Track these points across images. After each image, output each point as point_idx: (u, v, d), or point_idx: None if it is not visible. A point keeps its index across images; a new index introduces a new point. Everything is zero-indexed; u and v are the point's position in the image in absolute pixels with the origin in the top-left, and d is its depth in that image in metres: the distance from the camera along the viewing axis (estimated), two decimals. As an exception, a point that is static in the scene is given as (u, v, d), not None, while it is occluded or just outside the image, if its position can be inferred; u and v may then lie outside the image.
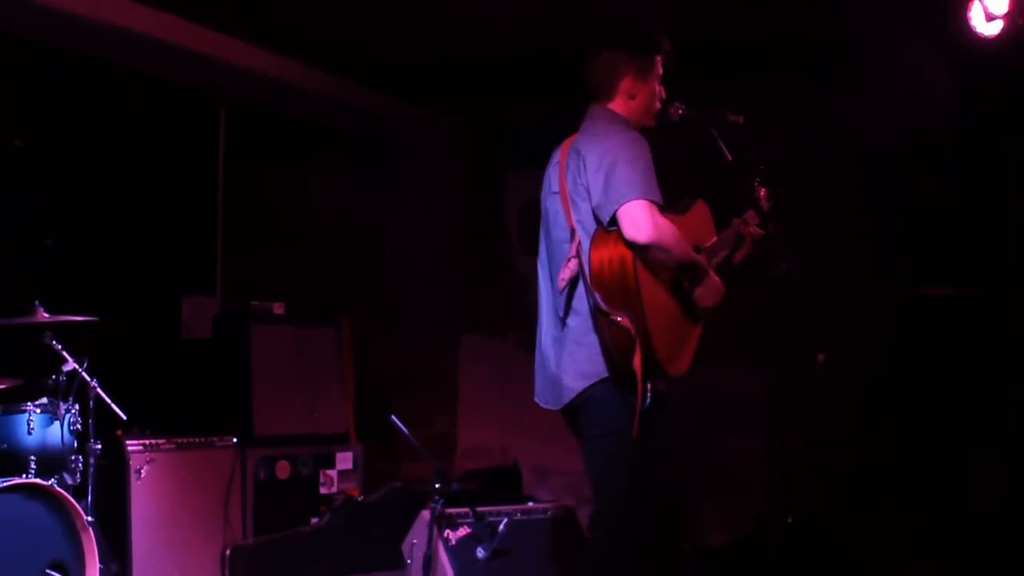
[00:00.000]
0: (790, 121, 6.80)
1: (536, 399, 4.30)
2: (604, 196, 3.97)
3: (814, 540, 5.65)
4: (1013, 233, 6.01)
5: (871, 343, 5.77)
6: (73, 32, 5.97)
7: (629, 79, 4.25)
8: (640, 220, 3.87)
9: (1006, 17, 5.26)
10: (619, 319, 3.88)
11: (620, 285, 3.91)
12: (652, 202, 3.92)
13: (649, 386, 3.90)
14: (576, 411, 4.14)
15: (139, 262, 7.07)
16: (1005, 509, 5.75)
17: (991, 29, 5.33)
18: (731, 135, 4.47)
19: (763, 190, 4.58)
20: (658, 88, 4.31)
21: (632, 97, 4.26)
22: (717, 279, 4.18)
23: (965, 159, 5.89)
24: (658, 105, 4.32)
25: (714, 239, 4.40)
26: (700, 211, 4.42)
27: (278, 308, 6.89)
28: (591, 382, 4.04)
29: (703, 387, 7.26)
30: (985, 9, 5.27)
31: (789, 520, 5.44)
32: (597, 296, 3.96)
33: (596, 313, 3.98)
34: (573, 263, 4.04)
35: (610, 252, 3.95)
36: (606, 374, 4.01)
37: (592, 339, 4.03)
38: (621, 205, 3.91)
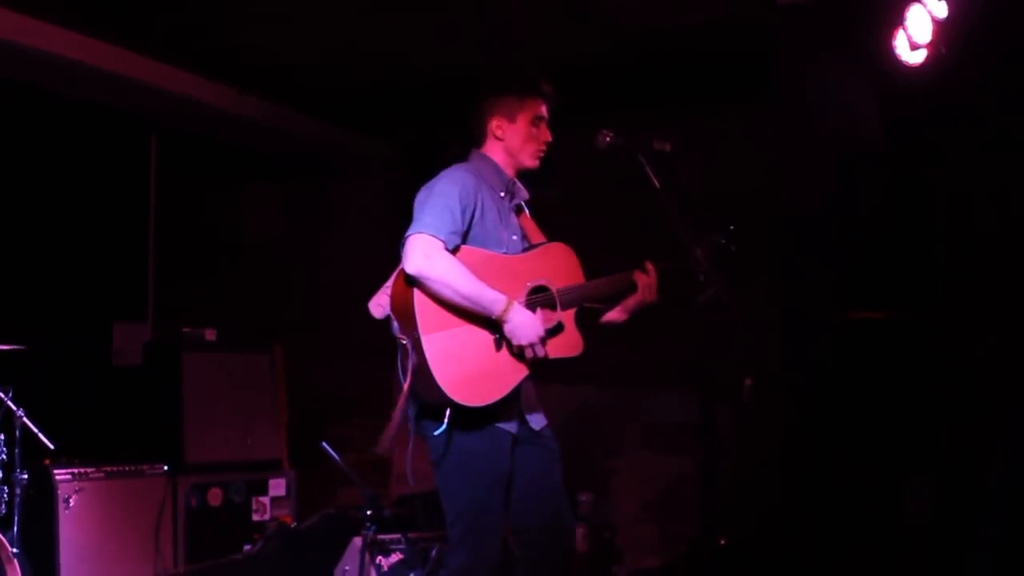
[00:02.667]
0: (718, 146, 6.87)
1: None
2: None
3: (747, 562, 5.69)
4: (940, 258, 6.08)
5: (801, 367, 5.81)
6: (1, 58, 5.92)
7: (495, 120, 4.33)
8: (411, 253, 4.00)
9: (929, 46, 5.35)
10: (404, 342, 4.02)
11: (403, 310, 4.04)
12: (434, 237, 4.02)
13: (448, 412, 4.01)
14: None
15: (69, 289, 7.01)
16: (934, 530, 5.81)
17: (915, 58, 5.41)
18: (661, 162, 4.50)
19: (704, 252, 4.59)
20: (536, 130, 4.35)
21: (499, 138, 4.34)
22: (526, 317, 4.12)
23: (893, 185, 5.96)
24: (538, 147, 4.36)
25: (577, 282, 4.39)
26: (556, 252, 4.42)
27: (210, 335, 6.85)
28: (415, 410, 4.15)
29: (638, 410, 7.34)
30: (909, 38, 5.36)
31: (723, 542, 5.47)
32: (394, 325, 4.10)
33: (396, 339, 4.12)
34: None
35: (400, 281, 4.09)
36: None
37: None
38: (407, 238, 4.05)
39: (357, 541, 5.22)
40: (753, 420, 5.64)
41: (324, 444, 5.07)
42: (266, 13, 6.11)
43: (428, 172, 8.08)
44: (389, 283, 4.20)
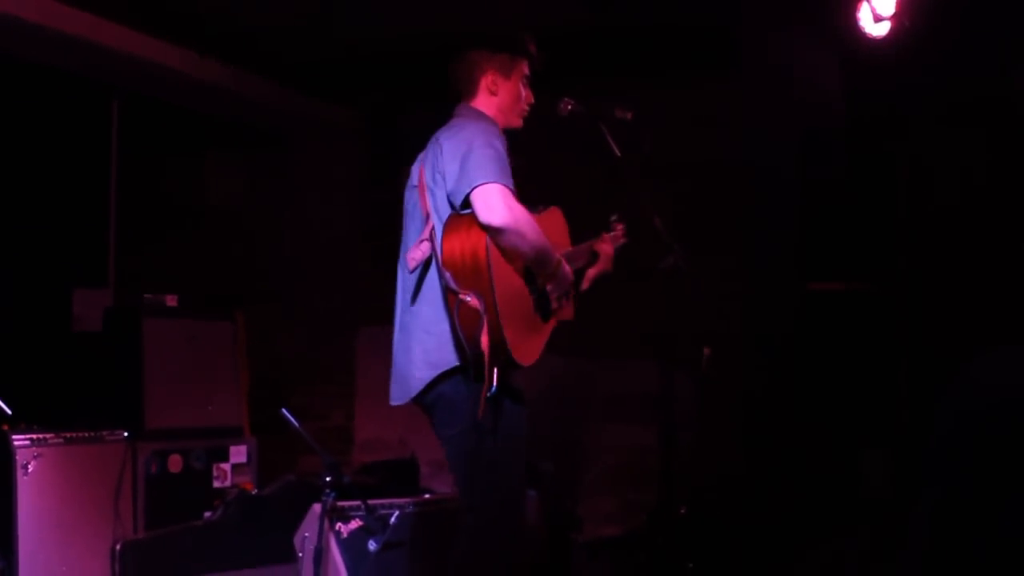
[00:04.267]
0: (683, 117, 6.87)
1: (391, 400, 4.28)
2: (458, 181, 3.96)
3: (706, 531, 5.72)
4: (900, 230, 6.12)
5: (761, 337, 5.84)
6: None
7: (490, 75, 4.27)
8: (494, 203, 3.87)
9: (893, 18, 5.37)
10: (468, 298, 3.85)
11: (472, 266, 3.89)
12: (506, 187, 3.92)
13: (496, 373, 3.85)
14: (430, 408, 4.14)
15: (29, 254, 6.96)
16: (891, 501, 5.87)
17: (879, 30, 5.44)
18: (624, 130, 4.50)
19: (620, 227, 4.65)
20: (523, 91, 4.33)
21: (493, 93, 4.28)
22: (569, 270, 4.18)
23: (855, 157, 5.99)
24: (524, 107, 4.35)
25: (568, 248, 4.43)
26: (555, 217, 4.45)
27: (171, 301, 6.80)
28: (440, 371, 4.02)
29: (600, 380, 7.35)
30: (873, 10, 5.38)
31: (682, 511, 5.50)
32: (448, 276, 3.92)
33: (447, 294, 3.96)
34: (425, 245, 4.01)
35: (463, 234, 3.93)
36: (456, 362, 3.98)
37: (443, 328, 4.01)
38: (474, 188, 3.90)
39: (316, 508, 5.20)
40: (712, 390, 5.67)
41: (284, 410, 5.05)
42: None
43: (392, 141, 8.09)
44: (425, 234, 4.05)
